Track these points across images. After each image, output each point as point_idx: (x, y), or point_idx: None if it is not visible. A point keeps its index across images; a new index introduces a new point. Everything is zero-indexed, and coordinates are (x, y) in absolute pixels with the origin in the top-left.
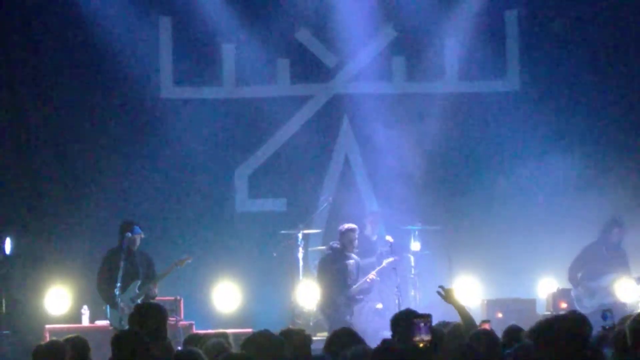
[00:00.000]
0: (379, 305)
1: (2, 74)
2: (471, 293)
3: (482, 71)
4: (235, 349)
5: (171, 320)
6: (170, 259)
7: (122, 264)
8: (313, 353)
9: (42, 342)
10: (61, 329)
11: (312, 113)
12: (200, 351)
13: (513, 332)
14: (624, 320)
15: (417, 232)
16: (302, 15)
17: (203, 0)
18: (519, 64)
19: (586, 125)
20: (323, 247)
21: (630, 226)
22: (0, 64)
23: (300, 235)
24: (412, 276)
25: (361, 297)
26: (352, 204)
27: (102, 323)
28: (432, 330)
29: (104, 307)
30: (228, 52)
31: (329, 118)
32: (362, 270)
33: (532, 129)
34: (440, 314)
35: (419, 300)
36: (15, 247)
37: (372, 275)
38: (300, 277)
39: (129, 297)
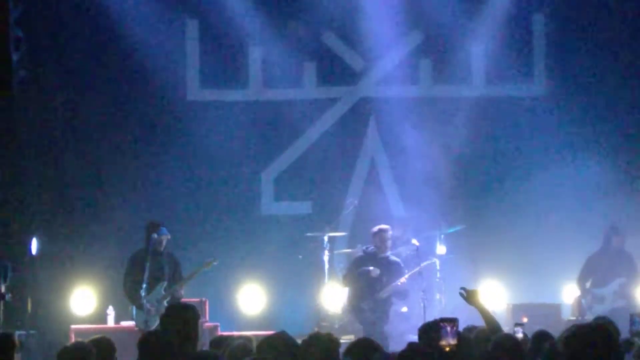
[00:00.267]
0: (404, 309)
1: (32, 78)
2: (496, 297)
3: (509, 75)
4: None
5: None
6: (196, 261)
7: (147, 265)
8: None
9: (68, 344)
10: (86, 330)
11: (339, 116)
12: (219, 353)
13: (541, 337)
14: None
15: (442, 236)
16: (328, 19)
17: (230, 4)
18: (545, 68)
19: (613, 129)
20: (349, 250)
21: None
22: (29, 67)
23: (326, 238)
24: (437, 280)
25: (393, 300)
26: (378, 206)
27: (127, 324)
28: (459, 335)
29: (129, 308)
30: (254, 55)
31: (355, 121)
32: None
33: (558, 133)
34: (465, 318)
35: (444, 304)
36: (41, 248)
37: (403, 279)
38: (326, 280)
39: (154, 298)
